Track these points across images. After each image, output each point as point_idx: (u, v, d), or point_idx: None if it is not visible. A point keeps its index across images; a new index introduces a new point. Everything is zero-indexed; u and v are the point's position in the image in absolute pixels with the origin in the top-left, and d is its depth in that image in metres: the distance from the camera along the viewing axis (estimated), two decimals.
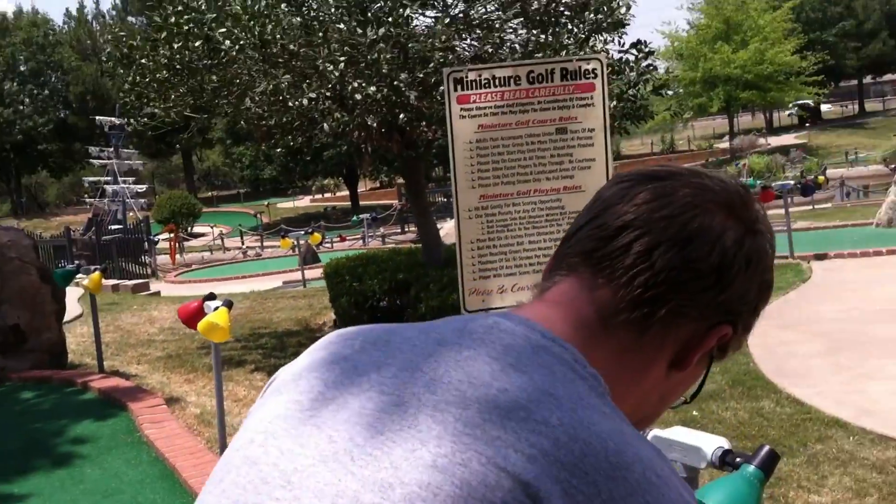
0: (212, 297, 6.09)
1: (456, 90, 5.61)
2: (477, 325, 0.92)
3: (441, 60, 8.42)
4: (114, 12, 67.04)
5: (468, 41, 9.59)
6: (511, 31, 9.42)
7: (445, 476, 0.75)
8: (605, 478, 0.76)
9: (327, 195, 61.90)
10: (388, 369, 0.88)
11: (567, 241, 1.00)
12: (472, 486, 0.74)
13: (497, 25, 9.08)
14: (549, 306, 0.96)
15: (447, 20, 8.70)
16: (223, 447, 5.74)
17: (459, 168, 5.51)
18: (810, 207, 24.32)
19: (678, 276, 0.92)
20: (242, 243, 32.03)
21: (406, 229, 32.33)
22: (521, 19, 9.14)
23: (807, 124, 62.40)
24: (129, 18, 62.47)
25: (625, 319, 0.93)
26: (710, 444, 2.16)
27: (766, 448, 1.98)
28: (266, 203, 51.09)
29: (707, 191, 0.97)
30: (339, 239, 28.69)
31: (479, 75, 5.63)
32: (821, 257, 12.11)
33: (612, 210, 0.96)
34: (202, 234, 39.86)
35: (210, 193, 71.98)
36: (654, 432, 2.26)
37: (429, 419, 0.80)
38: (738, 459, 2.02)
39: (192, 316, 6.15)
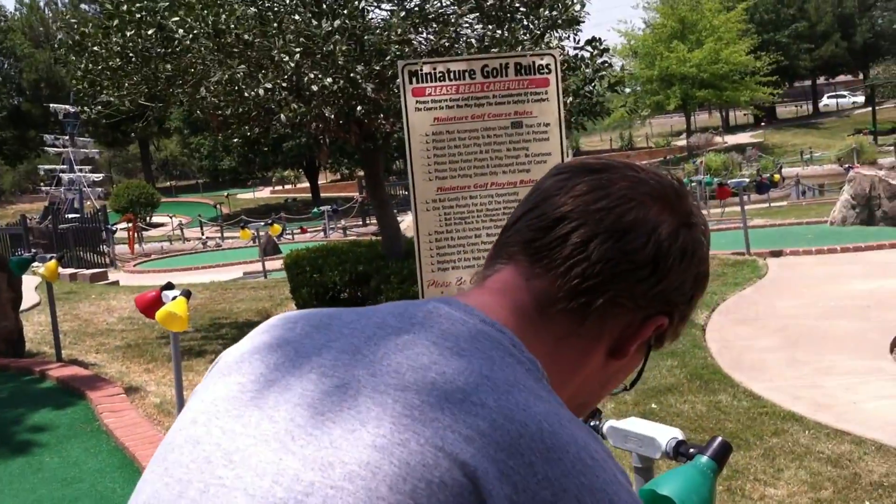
0: (170, 286, 6.06)
1: (411, 83, 5.64)
2: (417, 310, 0.94)
3: (397, 53, 8.43)
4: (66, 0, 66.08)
5: (424, 35, 9.61)
6: (467, 25, 9.45)
7: (384, 455, 0.77)
8: (541, 459, 0.78)
9: (288, 187, 61.60)
10: (328, 352, 0.89)
11: (507, 230, 1.02)
12: (411, 466, 0.76)
13: (452, 20, 9.10)
14: (488, 293, 0.98)
15: (403, 13, 8.72)
16: None
17: (416, 160, 5.54)
18: (766, 205, 24.65)
19: (614, 267, 0.94)
20: (202, 234, 31.79)
21: (367, 222, 32.28)
22: (477, 14, 9.18)
23: (762, 123, 63.12)
24: (82, 6, 61.61)
25: (562, 308, 0.95)
26: (665, 434, 2.22)
27: (719, 439, 2.03)
28: (226, 194, 50.76)
29: (642, 184, 0.99)
30: (299, 231, 28.58)
31: (434, 68, 5.67)
32: (777, 254, 12.29)
33: (550, 201, 0.99)
34: (161, 224, 39.53)
35: (168, 183, 71.35)
36: (610, 423, 2.31)
37: (368, 401, 0.82)
38: (691, 450, 2.08)
39: (150, 305, 6.12)
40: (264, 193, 59.03)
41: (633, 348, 1.00)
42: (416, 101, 5.53)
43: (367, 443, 0.78)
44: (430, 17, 9.38)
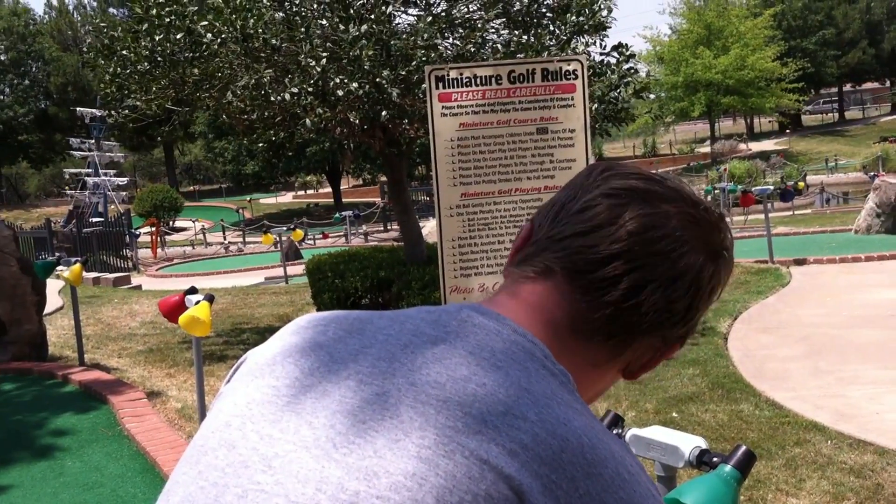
0: (193, 291, 6.09)
1: (438, 88, 5.65)
2: (450, 319, 0.93)
3: (423, 59, 8.44)
4: (95, 3, 66.62)
5: (450, 40, 9.62)
6: (493, 31, 9.47)
7: (430, 467, 0.77)
8: (582, 474, 0.79)
9: (310, 192, 61.85)
10: (365, 359, 0.89)
11: (550, 241, 0.99)
12: (457, 479, 0.76)
13: (479, 25, 9.12)
14: (520, 304, 0.97)
15: (429, 18, 8.73)
16: None
17: (441, 166, 5.54)
18: (790, 213, 24.48)
19: (660, 317, 0.95)
20: (224, 238, 31.95)
21: (389, 227, 32.32)
22: (504, 20, 9.19)
23: (787, 130, 62.79)
24: (111, 10, 62.13)
25: (598, 341, 0.96)
26: (688, 443, 2.20)
27: (743, 448, 2.01)
28: (248, 199, 50.95)
29: (695, 224, 0.98)
30: (321, 236, 28.65)
31: (461, 74, 5.67)
32: (800, 262, 12.20)
33: (603, 232, 0.96)
34: (184, 229, 39.70)
35: (192, 188, 71.77)
36: (633, 431, 2.29)
37: (410, 410, 0.82)
38: (714, 459, 2.06)
39: (173, 310, 6.16)
40: (287, 198, 59.26)
41: (646, 372, 1.03)
42: (443, 107, 5.53)
43: (412, 453, 0.78)
44: (457, 22, 9.40)
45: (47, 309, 9.97)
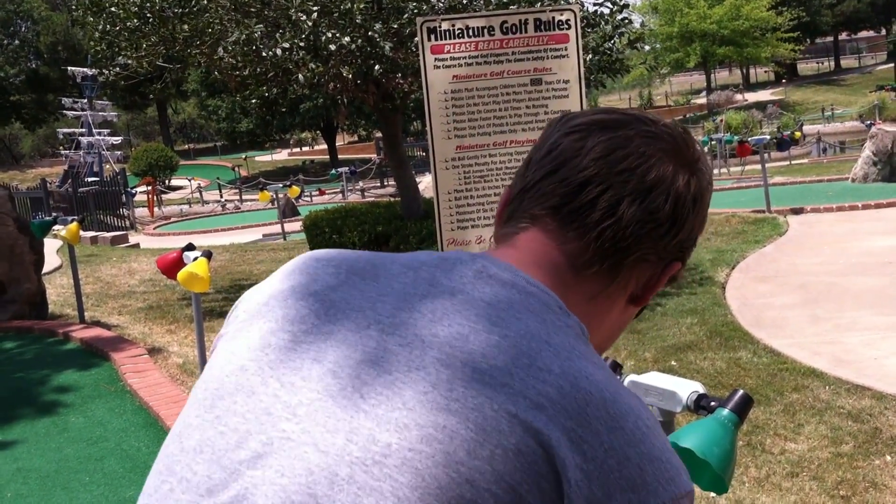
0: (191, 247, 6.09)
1: (430, 40, 5.60)
2: (466, 269, 0.93)
3: (415, 11, 8.38)
4: None
5: None
6: None
7: (460, 420, 0.77)
8: (606, 428, 0.80)
9: (305, 149, 61.62)
10: (383, 307, 0.89)
11: (525, 192, 1.01)
12: (487, 432, 0.77)
13: None
14: (522, 254, 0.98)
15: None
16: None
17: (435, 119, 5.52)
18: (787, 163, 24.46)
19: (642, 227, 0.96)
20: (221, 196, 31.86)
21: (385, 183, 32.26)
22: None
23: (783, 80, 62.49)
24: None
25: (596, 270, 0.97)
26: (685, 388, 2.21)
27: (740, 392, 2.02)
28: (244, 156, 50.76)
29: (657, 139, 0.99)
30: (318, 192, 28.61)
31: (453, 25, 5.62)
32: (797, 211, 12.22)
33: (570, 164, 0.98)
34: (180, 187, 39.63)
35: (187, 146, 71.47)
36: (631, 377, 2.31)
37: (436, 362, 0.82)
38: (712, 403, 2.08)
39: (172, 266, 6.16)
40: (282, 156, 59.05)
41: (653, 294, 1.03)
42: (435, 59, 5.50)
43: (442, 406, 0.79)
44: None
45: (46, 268, 9.99)
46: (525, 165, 1.03)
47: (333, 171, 31.78)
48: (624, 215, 0.96)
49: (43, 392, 6.31)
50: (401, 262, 0.96)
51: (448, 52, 5.51)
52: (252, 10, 8.77)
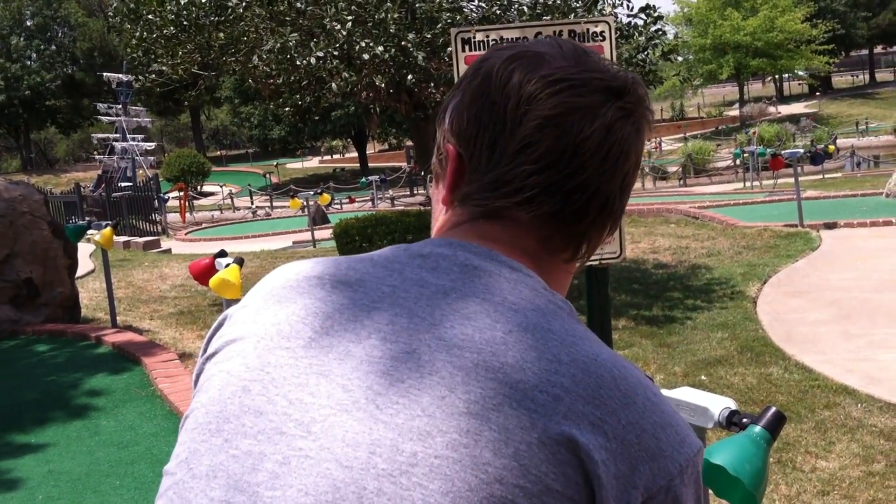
0: (223, 254, 6.14)
1: (464, 51, 5.60)
2: (450, 264, 0.92)
3: (448, 21, 8.41)
4: None
5: (476, 2, 9.57)
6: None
7: (482, 422, 0.77)
8: (621, 405, 0.81)
9: (336, 156, 61.99)
10: (381, 315, 0.87)
11: (485, 183, 0.95)
12: (510, 430, 0.77)
13: None
14: (496, 235, 0.95)
15: None
16: None
17: None
18: (820, 177, 24.26)
19: (616, 219, 0.99)
20: (252, 203, 32.08)
21: (415, 192, 32.32)
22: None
23: (817, 93, 62.03)
24: None
25: (567, 255, 0.98)
26: (717, 404, 2.20)
27: (773, 409, 2.01)
28: (275, 163, 51.12)
29: (628, 119, 0.97)
30: (348, 200, 28.72)
31: (487, 36, 5.62)
32: (830, 226, 12.11)
33: (561, 163, 0.93)
34: (212, 193, 39.92)
35: (219, 152, 72.05)
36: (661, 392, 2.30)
37: (448, 365, 0.81)
38: (744, 420, 2.06)
39: (204, 272, 6.21)
40: (313, 163, 59.37)
41: None
42: None
43: (462, 409, 0.79)
44: None
45: (79, 272, 10.09)
46: (485, 142, 0.95)
47: (364, 180, 31.89)
48: (613, 214, 0.97)
49: (75, 395, 6.37)
50: (381, 264, 0.94)
51: None
52: (287, 18, 8.84)
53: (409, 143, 42.10)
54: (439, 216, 1.03)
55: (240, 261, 5.94)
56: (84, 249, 13.26)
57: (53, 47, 60.17)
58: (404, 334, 0.85)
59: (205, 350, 0.96)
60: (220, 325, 0.97)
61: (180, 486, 0.85)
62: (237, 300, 6.33)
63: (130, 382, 6.56)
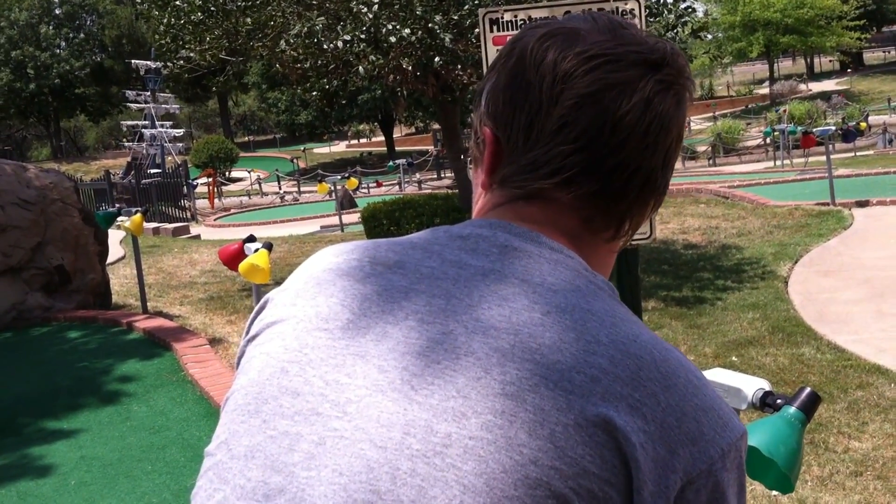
0: (252, 239, 6.15)
1: (492, 31, 5.56)
2: (490, 246, 0.91)
3: (476, 2, 8.37)
4: None
5: None
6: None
7: (517, 403, 0.77)
8: (661, 387, 0.80)
9: (363, 140, 61.99)
10: (418, 297, 0.87)
11: (525, 165, 0.94)
12: (546, 411, 0.76)
13: None
14: (536, 216, 0.94)
15: None
16: None
17: None
18: (852, 154, 23.97)
19: (660, 195, 0.97)
20: (280, 188, 32.22)
21: (442, 175, 32.31)
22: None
23: (848, 70, 61.24)
24: None
25: (609, 237, 0.96)
26: (751, 385, 2.17)
27: (808, 390, 1.98)
28: (302, 148, 51.27)
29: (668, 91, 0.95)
30: (375, 184, 28.74)
31: (515, 16, 5.57)
32: (862, 204, 11.96)
33: (598, 143, 0.91)
34: (240, 179, 40.14)
35: (246, 138, 72.32)
36: None
37: (484, 346, 0.81)
38: (779, 401, 2.03)
39: (233, 258, 6.22)
40: (340, 147, 59.47)
41: None
42: (497, 51, 5.47)
43: (497, 391, 0.78)
44: None
45: (109, 259, 10.17)
46: (522, 123, 0.94)
47: (391, 163, 31.90)
48: (656, 190, 0.96)
49: (106, 381, 6.43)
50: (421, 246, 0.94)
51: None
52: (313, 2, 8.83)
53: (436, 126, 42.07)
54: (479, 199, 1.02)
55: (268, 246, 5.95)
56: (114, 236, 13.36)
57: (82, 35, 60.52)
58: (441, 316, 0.85)
59: (247, 332, 0.97)
60: (262, 308, 0.97)
61: (220, 467, 0.86)
62: (266, 285, 6.36)
63: (161, 368, 6.61)
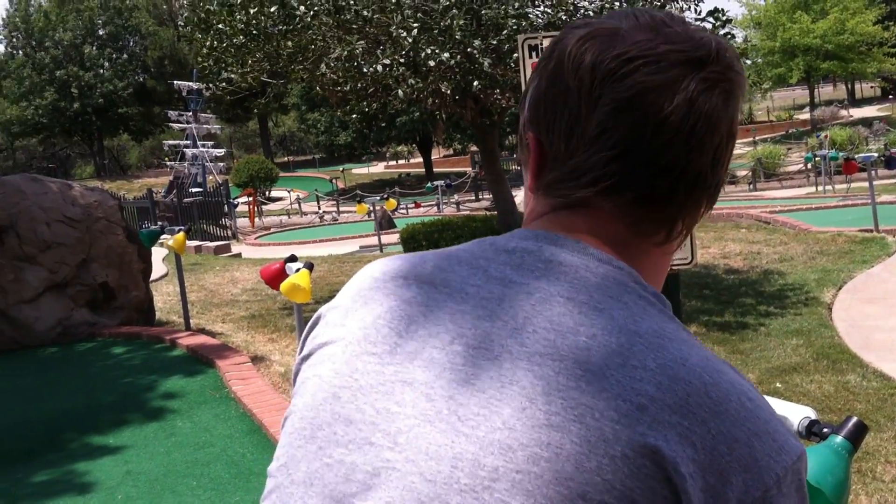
0: (293, 259, 6.23)
1: (531, 57, 5.60)
2: (535, 261, 0.89)
3: (514, 27, 8.42)
4: None
5: (541, 8, 9.56)
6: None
7: (563, 434, 0.76)
8: (711, 414, 0.77)
9: (401, 161, 62.24)
10: (464, 319, 0.85)
11: (567, 172, 0.92)
12: (592, 443, 0.75)
13: None
14: (583, 225, 0.92)
15: None
16: None
17: None
18: (894, 181, 23.71)
19: (713, 195, 0.94)
20: (319, 208, 32.40)
21: (480, 196, 32.33)
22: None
23: (890, 96, 60.61)
24: None
25: (659, 241, 0.93)
26: (797, 413, 2.16)
27: (855, 419, 1.97)
28: (341, 169, 51.52)
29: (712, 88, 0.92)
30: (413, 205, 28.85)
31: None
32: None
33: (638, 147, 0.89)
34: (279, 199, 40.42)
35: (286, 158, 72.89)
36: None
37: (528, 374, 0.79)
38: (825, 430, 2.03)
39: (275, 277, 6.31)
40: (378, 168, 59.72)
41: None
42: None
43: (542, 422, 0.77)
44: None
45: (152, 276, 10.30)
46: (563, 127, 0.92)
47: (429, 185, 32.00)
48: (707, 190, 0.92)
49: (151, 397, 6.50)
50: (466, 261, 0.92)
51: None
52: (354, 26, 8.93)
53: (474, 147, 42.16)
54: (528, 202, 1.00)
55: (309, 266, 6.02)
56: (157, 253, 13.52)
57: (125, 56, 61.42)
58: (486, 340, 0.83)
59: (301, 350, 0.98)
60: (315, 325, 0.98)
61: (282, 491, 0.88)
62: (307, 304, 6.41)
63: (205, 384, 6.67)
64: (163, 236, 9.49)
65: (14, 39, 61.18)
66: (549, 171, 0.94)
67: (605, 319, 0.82)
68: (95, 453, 5.46)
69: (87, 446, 5.61)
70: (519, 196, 17.95)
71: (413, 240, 10.56)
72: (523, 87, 5.57)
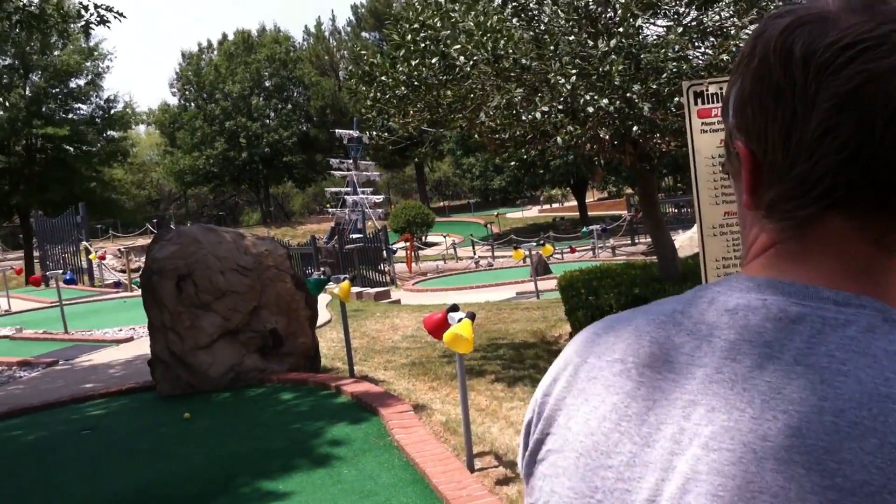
0: (455, 308, 6.34)
1: (696, 104, 5.55)
2: (762, 321, 0.79)
3: (674, 70, 8.34)
4: (349, 28, 70.32)
5: (702, 50, 9.44)
6: (747, 37, 9.22)
7: None
8: None
9: (555, 205, 62.19)
10: (697, 412, 0.77)
11: (789, 181, 0.82)
12: None
13: (732, 33, 8.90)
14: (820, 258, 0.82)
15: (680, 29, 8.62)
16: (470, 455, 5.94)
17: (702, 184, 5.46)
18: None
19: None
20: (474, 253, 32.70)
21: (636, 241, 31.96)
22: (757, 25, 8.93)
23: None
24: (363, 34, 65.45)
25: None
26: None
27: None
28: (496, 213, 51.91)
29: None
30: (569, 250, 28.76)
31: (721, 88, 5.54)
32: None
33: (868, 148, 0.78)
34: (435, 244, 41.02)
35: (441, 203, 73.93)
36: None
37: (778, 476, 0.70)
38: None
39: (438, 327, 6.44)
40: (532, 212, 59.85)
41: None
42: (702, 123, 5.45)
43: None
44: (708, 30, 9.24)
45: (317, 323, 10.62)
46: (779, 131, 0.82)
47: (584, 229, 31.85)
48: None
49: (318, 444, 6.68)
50: (689, 330, 0.83)
51: (716, 115, 5.46)
52: (512, 74, 9.05)
53: (629, 190, 41.74)
54: (745, 222, 0.90)
55: (471, 316, 6.11)
56: (321, 299, 13.94)
57: (290, 106, 63.84)
58: (726, 438, 0.74)
59: (525, 445, 0.94)
60: (539, 416, 0.93)
61: None
62: (468, 354, 6.46)
63: (369, 432, 6.81)
64: (329, 285, 9.80)
65: (186, 92, 64.60)
66: (767, 184, 0.84)
67: (851, 385, 0.72)
68: (266, 498, 5.64)
69: (258, 491, 5.80)
70: (678, 240, 17.65)
71: (571, 287, 10.51)
72: (688, 135, 5.53)
